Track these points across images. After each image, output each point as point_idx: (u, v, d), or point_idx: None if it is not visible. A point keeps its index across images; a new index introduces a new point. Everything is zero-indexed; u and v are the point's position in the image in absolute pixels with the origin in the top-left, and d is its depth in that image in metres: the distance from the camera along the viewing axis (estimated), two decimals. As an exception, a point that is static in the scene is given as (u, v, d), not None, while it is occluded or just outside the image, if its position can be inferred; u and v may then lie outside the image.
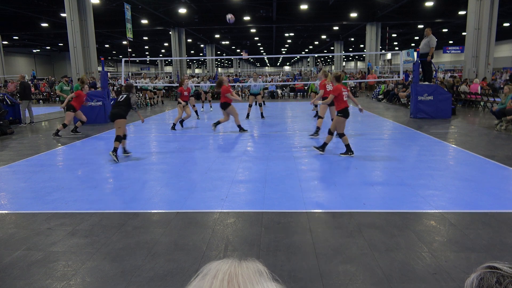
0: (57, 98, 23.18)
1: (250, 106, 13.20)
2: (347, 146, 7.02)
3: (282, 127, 11.06)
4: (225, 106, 9.69)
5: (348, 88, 7.96)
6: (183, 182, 5.67)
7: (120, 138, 7.17)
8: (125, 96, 7.35)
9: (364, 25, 29.67)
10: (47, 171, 6.45)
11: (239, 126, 9.98)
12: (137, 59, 59.91)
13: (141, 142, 9.24)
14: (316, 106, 12.53)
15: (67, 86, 13.58)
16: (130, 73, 37.88)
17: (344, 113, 6.90)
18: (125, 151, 7.52)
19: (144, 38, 38.90)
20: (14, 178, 6.06)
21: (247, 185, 5.42)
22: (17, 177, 6.13)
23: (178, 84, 12.61)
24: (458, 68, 32.91)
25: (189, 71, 47.33)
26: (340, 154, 7.09)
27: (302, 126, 11.09)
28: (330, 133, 7.15)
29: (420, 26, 31.61)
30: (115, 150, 7.03)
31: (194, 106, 13.46)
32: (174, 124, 10.89)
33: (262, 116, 13.02)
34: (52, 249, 3.52)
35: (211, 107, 16.96)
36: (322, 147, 7.23)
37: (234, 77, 30.20)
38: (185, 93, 11.03)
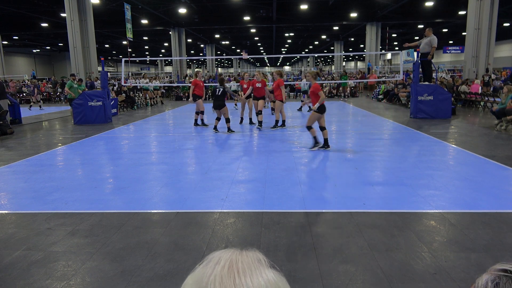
0: (57, 98, 23.23)
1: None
2: (315, 138, 7.59)
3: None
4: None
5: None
6: (183, 182, 5.67)
7: (229, 120, 9.84)
8: (222, 89, 9.58)
9: (364, 25, 29.66)
10: (47, 171, 6.44)
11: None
12: (137, 59, 59.90)
13: (142, 142, 9.25)
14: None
15: (75, 84, 13.69)
16: (130, 73, 37.86)
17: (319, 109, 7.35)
18: (215, 128, 9.91)
19: (144, 38, 38.89)
20: (14, 178, 6.06)
21: (247, 185, 5.42)
22: (17, 177, 6.13)
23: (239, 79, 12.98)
24: (458, 68, 32.88)
25: (189, 71, 47.17)
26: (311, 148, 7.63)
27: (302, 126, 11.09)
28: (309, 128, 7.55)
29: (420, 26, 31.60)
30: (229, 128, 9.82)
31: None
32: (250, 119, 11.83)
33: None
34: (52, 249, 3.52)
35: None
36: (319, 143, 7.58)
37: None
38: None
